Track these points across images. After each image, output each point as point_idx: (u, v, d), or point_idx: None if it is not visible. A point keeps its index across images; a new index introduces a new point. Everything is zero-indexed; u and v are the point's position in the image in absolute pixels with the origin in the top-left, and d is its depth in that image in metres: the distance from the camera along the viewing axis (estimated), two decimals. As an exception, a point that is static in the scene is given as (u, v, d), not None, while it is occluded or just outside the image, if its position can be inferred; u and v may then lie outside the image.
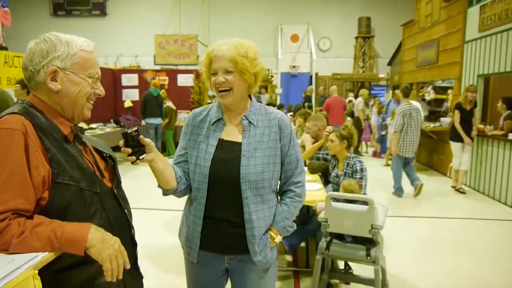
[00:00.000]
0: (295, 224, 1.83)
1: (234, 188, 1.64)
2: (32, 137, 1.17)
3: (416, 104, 6.76)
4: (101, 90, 1.38)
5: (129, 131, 1.39)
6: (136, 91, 10.39)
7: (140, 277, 1.50)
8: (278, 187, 1.82)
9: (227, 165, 1.65)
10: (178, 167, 1.72)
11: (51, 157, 1.19)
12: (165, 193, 1.69)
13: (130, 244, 1.43)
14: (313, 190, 3.35)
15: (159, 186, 1.66)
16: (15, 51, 6.69)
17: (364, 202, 2.75)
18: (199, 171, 1.66)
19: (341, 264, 3.50)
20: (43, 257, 1.07)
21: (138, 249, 1.50)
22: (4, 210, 1.09)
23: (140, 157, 1.43)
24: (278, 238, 1.75)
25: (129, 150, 1.39)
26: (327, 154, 3.73)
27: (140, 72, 10.73)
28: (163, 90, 9.45)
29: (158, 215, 5.21)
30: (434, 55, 8.68)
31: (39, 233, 1.10)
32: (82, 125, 7.40)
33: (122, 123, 1.39)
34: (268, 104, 11.55)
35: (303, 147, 4.27)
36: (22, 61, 1.29)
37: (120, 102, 10.31)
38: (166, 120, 9.05)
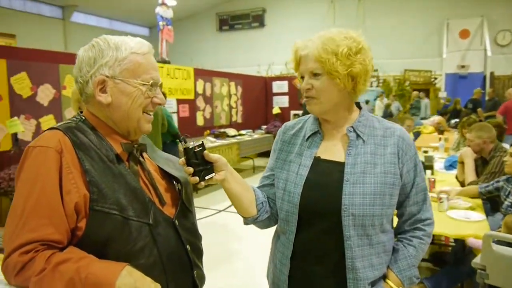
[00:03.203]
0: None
1: (333, 223, 1.23)
2: (68, 157, 1.00)
3: None
4: (160, 99, 1.14)
5: (190, 147, 1.13)
6: (286, 97, 10.59)
7: None
8: (392, 226, 1.36)
9: (324, 191, 1.25)
10: (263, 191, 1.40)
11: (90, 180, 1.00)
12: (245, 221, 1.38)
13: None
14: (472, 221, 2.60)
15: (239, 212, 1.37)
16: (183, 64, 7.38)
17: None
18: (288, 198, 1.30)
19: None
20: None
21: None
22: (31, 240, 0.93)
23: (206, 177, 1.16)
24: None
25: (191, 170, 1.13)
26: (497, 182, 2.85)
27: (289, 79, 10.82)
28: None
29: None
30: None
31: (62, 272, 0.90)
32: (231, 131, 7.67)
33: (181, 137, 1.14)
34: (458, 111, 10.08)
35: (462, 163, 3.45)
36: (73, 72, 1.13)
37: (270, 109, 10.65)
38: None
